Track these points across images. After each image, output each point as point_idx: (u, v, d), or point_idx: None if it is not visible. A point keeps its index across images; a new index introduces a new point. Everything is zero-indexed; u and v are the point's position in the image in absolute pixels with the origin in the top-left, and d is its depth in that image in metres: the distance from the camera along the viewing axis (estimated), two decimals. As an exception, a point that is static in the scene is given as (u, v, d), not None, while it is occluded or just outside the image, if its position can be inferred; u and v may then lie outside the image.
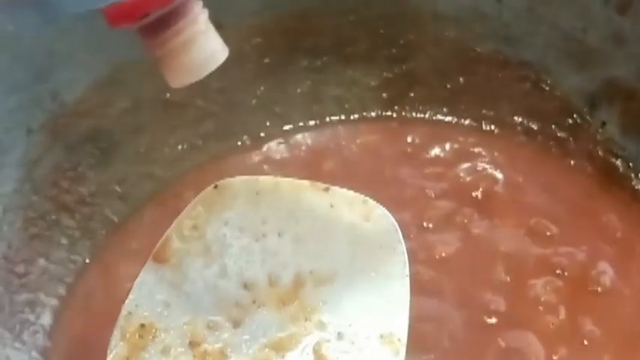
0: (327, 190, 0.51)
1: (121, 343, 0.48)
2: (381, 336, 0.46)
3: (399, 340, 0.47)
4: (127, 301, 0.50)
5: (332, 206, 0.50)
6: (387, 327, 0.47)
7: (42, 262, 0.63)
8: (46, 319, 0.62)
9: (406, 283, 0.49)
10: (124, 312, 0.49)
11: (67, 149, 0.65)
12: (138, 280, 0.50)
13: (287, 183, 0.51)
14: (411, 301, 0.49)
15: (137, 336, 0.48)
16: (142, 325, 0.48)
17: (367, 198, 0.51)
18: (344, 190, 0.51)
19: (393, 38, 0.72)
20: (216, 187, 0.51)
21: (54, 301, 0.63)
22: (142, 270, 0.50)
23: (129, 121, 0.68)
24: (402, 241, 0.50)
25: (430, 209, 0.66)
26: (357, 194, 0.51)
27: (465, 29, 0.71)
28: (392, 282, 0.48)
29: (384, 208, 0.51)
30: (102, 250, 0.66)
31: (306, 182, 0.51)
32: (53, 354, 0.61)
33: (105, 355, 0.49)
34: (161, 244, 0.50)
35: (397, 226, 0.51)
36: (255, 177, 0.52)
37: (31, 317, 0.61)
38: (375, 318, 0.47)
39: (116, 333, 0.49)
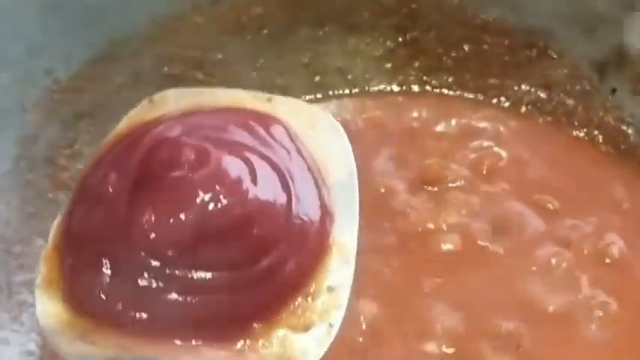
0: (270, 100, 0.49)
1: None
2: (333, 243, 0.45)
3: (349, 248, 0.45)
4: None
5: None
6: (339, 235, 0.45)
7: (40, 241, 0.62)
8: (45, 300, 0.61)
9: (355, 190, 0.47)
10: None
11: (62, 126, 0.64)
12: None
13: (227, 94, 0.50)
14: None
15: None
16: None
17: (311, 105, 0.50)
18: (287, 99, 0.50)
19: (396, 6, 0.71)
20: (150, 101, 0.49)
21: (52, 282, 0.62)
22: None
23: (126, 96, 0.66)
24: (349, 146, 0.48)
25: (435, 186, 0.65)
26: (301, 101, 0.50)
27: (469, -4, 0.70)
28: (341, 190, 0.46)
29: (328, 114, 0.49)
30: (100, 228, 0.65)
31: (248, 93, 0.49)
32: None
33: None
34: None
35: (343, 131, 0.48)
36: (194, 89, 0.50)
37: (30, 298, 0.60)
38: None
39: None
